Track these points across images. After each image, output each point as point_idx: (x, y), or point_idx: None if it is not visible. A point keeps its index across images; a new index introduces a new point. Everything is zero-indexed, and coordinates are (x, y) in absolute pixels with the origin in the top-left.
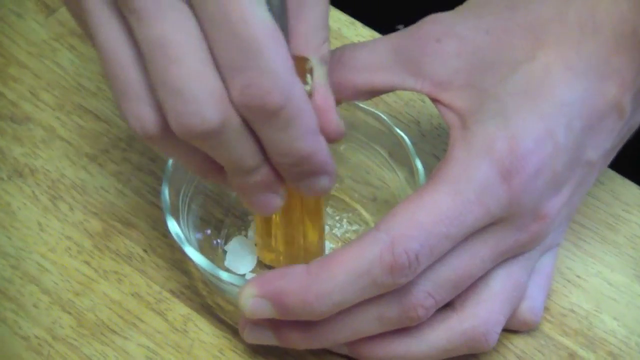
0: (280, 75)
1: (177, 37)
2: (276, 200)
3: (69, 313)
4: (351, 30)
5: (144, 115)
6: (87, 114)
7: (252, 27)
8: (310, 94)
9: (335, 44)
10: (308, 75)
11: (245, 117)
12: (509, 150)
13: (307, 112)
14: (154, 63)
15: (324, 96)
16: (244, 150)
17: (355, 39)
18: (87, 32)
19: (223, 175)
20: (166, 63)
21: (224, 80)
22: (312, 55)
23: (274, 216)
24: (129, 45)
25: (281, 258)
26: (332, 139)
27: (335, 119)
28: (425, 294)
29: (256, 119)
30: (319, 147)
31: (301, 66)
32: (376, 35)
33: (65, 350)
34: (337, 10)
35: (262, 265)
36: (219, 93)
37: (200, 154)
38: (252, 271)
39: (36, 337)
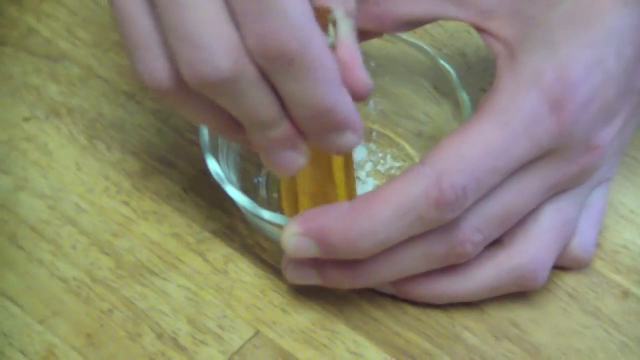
0: (298, 23)
1: None
2: (297, 159)
3: (108, 254)
4: None
5: (156, 68)
6: (125, 51)
7: None
8: (333, 47)
9: None
10: (330, 27)
11: (262, 66)
12: (557, 80)
13: (327, 62)
14: (165, 8)
15: (349, 50)
16: (260, 102)
17: None
18: None
19: (242, 134)
20: (178, 8)
21: (239, 27)
22: (336, 7)
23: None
24: None
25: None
26: (358, 97)
27: (361, 75)
28: (473, 229)
29: (273, 68)
30: (341, 100)
31: (323, 18)
32: None
33: (104, 292)
34: None
35: None
36: (233, 40)
37: (217, 109)
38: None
39: (74, 278)
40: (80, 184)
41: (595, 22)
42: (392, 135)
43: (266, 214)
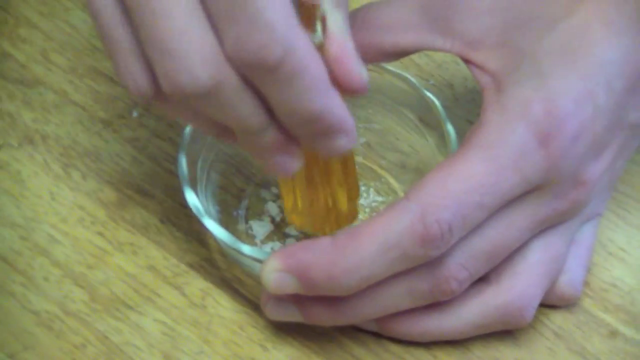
0: (277, 26)
1: None
2: (291, 163)
3: (82, 287)
4: None
5: (136, 75)
6: (101, 77)
7: None
8: (321, 44)
9: (362, 2)
10: (318, 23)
11: (243, 74)
12: (546, 113)
13: (313, 66)
14: (139, 18)
15: (340, 44)
16: (245, 110)
17: None
18: None
19: (234, 136)
20: (152, 17)
21: (217, 34)
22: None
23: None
24: (118, 2)
25: (310, 221)
26: (354, 92)
27: (355, 68)
28: (458, 266)
29: (255, 76)
30: (331, 105)
31: (310, 14)
32: None
33: (77, 326)
34: None
35: (279, 235)
36: (211, 49)
37: (203, 115)
38: (268, 238)
39: (47, 311)
40: (53, 214)
41: (585, 54)
42: (375, 167)
43: (246, 249)
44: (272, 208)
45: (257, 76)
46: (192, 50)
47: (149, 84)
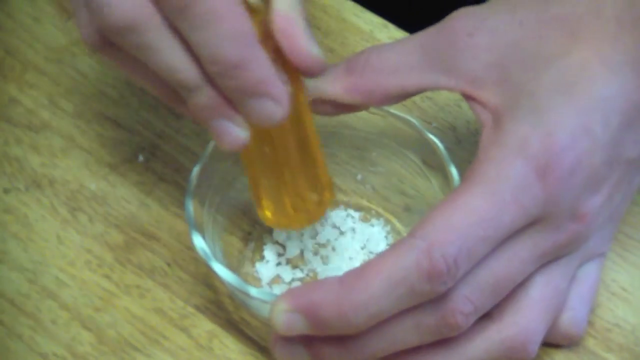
0: None
1: None
2: (236, 132)
3: (89, 329)
4: (384, 32)
5: (84, 22)
6: (108, 122)
7: None
8: (260, 10)
9: (368, 46)
10: None
11: (163, 13)
12: (544, 147)
13: (230, 15)
14: None
15: (286, 18)
16: (172, 57)
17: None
18: None
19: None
20: None
21: None
22: None
23: (255, 168)
24: None
25: (280, 214)
26: (308, 70)
27: (302, 42)
28: (464, 299)
29: (170, 15)
30: (250, 58)
31: None
32: None
33: None
34: (370, 12)
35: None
36: None
37: (147, 68)
38: (273, 281)
39: (54, 354)
40: (61, 257)
41: (582, 90)
42: (381, 210)
43: (253, 291)
44: (269, 253)
45: (173, 15)
46: None
47: (94, 31)
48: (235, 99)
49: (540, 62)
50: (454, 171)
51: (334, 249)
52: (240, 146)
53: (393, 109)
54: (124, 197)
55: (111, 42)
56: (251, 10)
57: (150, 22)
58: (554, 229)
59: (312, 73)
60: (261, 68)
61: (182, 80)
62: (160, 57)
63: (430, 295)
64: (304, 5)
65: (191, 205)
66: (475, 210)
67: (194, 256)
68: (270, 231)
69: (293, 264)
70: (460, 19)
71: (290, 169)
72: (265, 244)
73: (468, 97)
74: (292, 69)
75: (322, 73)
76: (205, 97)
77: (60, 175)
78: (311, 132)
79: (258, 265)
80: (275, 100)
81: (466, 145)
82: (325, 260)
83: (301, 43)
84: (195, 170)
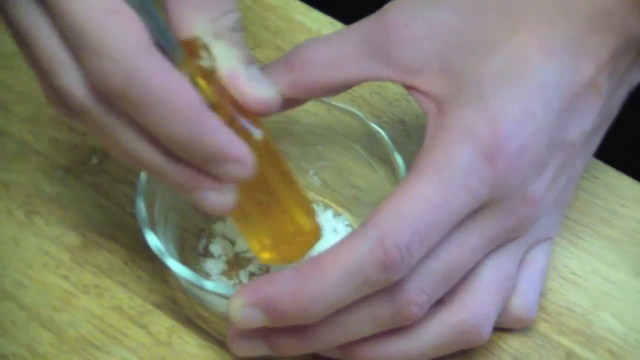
0: (115, 54)
1: (28, 21)
2: (220, 199)
3: (49, 329)
4: (331, 30)
5: (48, 95)
6: (62, 126)
7: (78, 7)
8: (212, 70)
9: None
10: (203, 51)
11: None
12: (490, 133)
13: (168, 89)
14: (24, 52)
15: (227, 69)
16: (131, 140)
17: None
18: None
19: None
20: (28, 47)
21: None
22: (202, 31)
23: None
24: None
25: (279, 252)
26: (265, 112)
27: (250, 92)
28: (417, 289)
29: (116, 102)
30: (201, 130)
31: (191, 45)
32: None
33: None
34: (317, 11)
35: (235, 272)
36: (76, 72)
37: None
38: (224, 274)
39: (15, 355)
40: (19, 260)
41: (523, 77)
42: (333, 204)
43: (209, 285)
44: (216, 248)
45: (116, 102)
46: (64, 71)
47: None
48: (200, 166)
49: (481, 50)
50: (398, 159)
51: None
52: (231, 209)
53: (338, 102)
54: (80, 198)
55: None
56: (205, 73)
57: (98, 105)
58: (503, 213)
59: (268, 112)
60: (215, 135)
61: (146, 165)
62: (113, 134)
63: (385, 284)
64: (244, 48)
65: (142, 204)
66: (425, 197)
67: (151, 254)
68: (220, 227)
69: (244, 259)
70: (394, 11)
71: (281, 204)
72: (214, 239)
73: (409, 87)
74: None
75: (277, 107)
76: (176, 174)
77: (15, 179)
78: (284, 163)
79: (209, 261)
80: (238, 162)
81: (416, 139)
82: None
83: (247, 91)
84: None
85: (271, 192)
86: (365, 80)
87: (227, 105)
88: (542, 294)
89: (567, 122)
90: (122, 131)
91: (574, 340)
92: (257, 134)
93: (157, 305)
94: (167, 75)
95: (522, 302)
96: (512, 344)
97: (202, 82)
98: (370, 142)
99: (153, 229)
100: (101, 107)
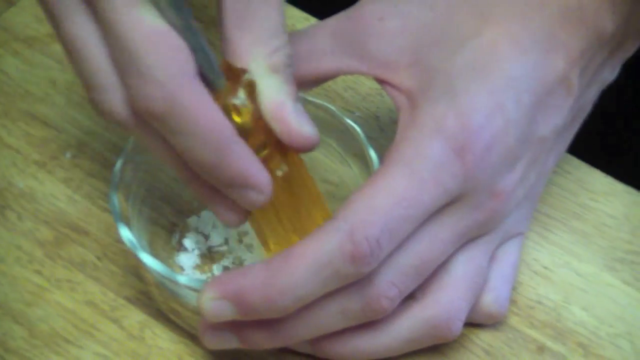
0: (160, 81)
1: (81, 37)
2: (234, 217)
3: (21, 324)
4: (305, 25)
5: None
6: (34, 120)
7: (131, 33)
8: (245, 108)
9: None
10: (240, 90)
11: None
12: (460, 127)
13: (204, 119)
14: (71, 60)
15: (273, 105)
16: (164, 154)
17: None
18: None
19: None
20: (77, 60)
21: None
22: (254, 66)
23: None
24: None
25: None
26: (302, 149)
27: (297, 126)
28: (388, 283)
29: (152, 123)
30: (229, 159)
31: (236, 76)
32: None
33: None
34: (291, 6)
35: (208, 266)
36: (119, 89)
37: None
38: (197, 268)
39: None
40: None
41: (494, 70)
42: None
43: (182, 279)
44: (191, 243)
45: (153, 123)
46: (108, 87)
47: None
48: (218, 187)
49: (452, 44)
50: (373, 155)
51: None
52: (242, 224)
53: (312, 97)
54: (52, 193)
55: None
56: (236, 108)
57: (135, 123)
58: (473, 207)
59: (308, 149)
60: (239, 162)
61: (179, 173)
62: (152, 147)
63: (355, 277)
64: (293, 85)
65: (116, 198)
66: (395, 190)
67: (124, 249)
68: (194, 221)
69: (217, 253)
70: (370, 4)
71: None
72: (188, 234)
73: (381, 81)
74: None
75: (316, 146)
76: (198, 189)
77: None
78: (311, 182)
79: (182, 255)
80: (256, 189)
81: (389, 134)
82: (250, 248)
83: (293, 126)
84: (119, 163)
85: (295, 213)
86: (340, 74)
87: (261, 134)
88: (513, 288)
89: (538, 117)
90: (154, 146)
91: (544, 334)
92: (283, 168)
93: (129, 299)
94: (205, 107)
95: (493, 298)
96: (484, 337)
97: (237, 109)
98: (344, 137)
99: (126, 223)
100: (138, 124)
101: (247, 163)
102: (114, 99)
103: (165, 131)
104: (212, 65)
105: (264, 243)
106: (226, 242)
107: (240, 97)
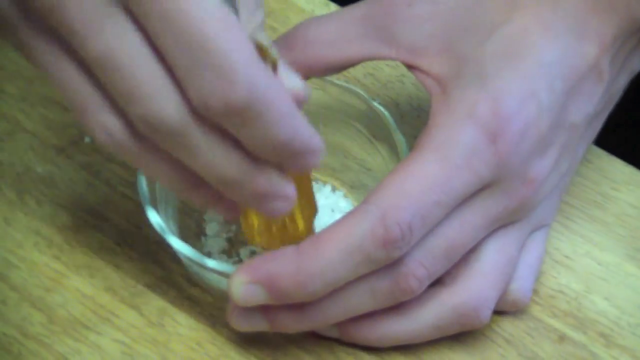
0: (240, 67)
1: (121, 48)
2: (282, 206)
3: (40, 309)
4: (325, 11)
5: (108, 124)
6: (53, 105)
7: (197, 21)
8: (275, 66)
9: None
10: (272, 49)
11: (213, 120)
12: (492, 113)
13: (278, 97)
14: (105, 78)
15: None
16: (220, 157)
17: None
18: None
19: (201, 190)
20: (117, 77)
21: (182, 84)
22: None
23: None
24: (76, 65)
25: (268, 241)
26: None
27: (286, 83)
28: (417, 263)
29: (224, 121)
30: (297, 129)
31: (263, 53)
32: None
33: (36, 348)
34: None
35: (235, 251)
36: (175, 97)
37: (176, 163)
38: (224, 253)
39: (5, 334)
40: (9, 239)
41: (525, 56)
42: (332, 181)
43: (211, 263)
44: (217, 228)
45: (226, 120)
46: (159, 97)
47: (123, 129)
48: (279, 162)
49: (482, 30)
50: (401, 138)
51: None
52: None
53: (339, 81)
54: (71, 178)
55: (145, 141)
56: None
57: (197, 129)
58: (505, 194)
59: (301, 104)
60: (305, 132)
61: (226, 177)
62: (205, 156)
63: (386, 262)
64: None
65: (144, 182)
66: (427, 175)
67: (144, 235)
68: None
69: (242, 239)
70: None
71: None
72: (213, 220)
73: (410, 67)
74: None
75: (308, 98)
76: (253, 187)
77: (6, 158)
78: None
79: (209, 239)
80: (315, 152)
81: (409, 120)
82: None
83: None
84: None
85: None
86: (367, 59)
87: None
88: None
89: (570, 104)
90: (209, 148)
91: (566, 323)
92: None
93: (148, 286)
94: (278, 84)
95: (519, 286)
96: (505, 327)
97: None
98: (372, 122)
99: (154, 206)
100: (196, 128)
101: (309, 127)
102: (168, 105)
103: (241, 123)
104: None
105: (251, 234)
106: None
107: (274, 54)
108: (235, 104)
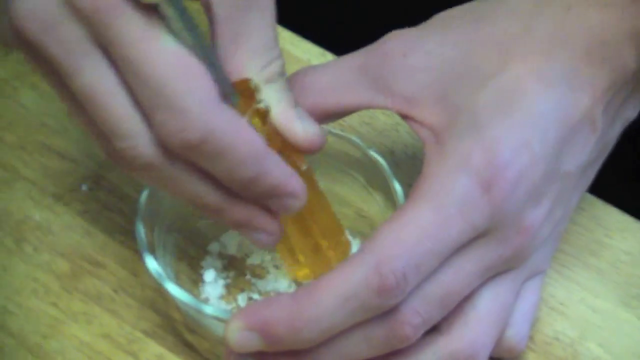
0: (194, 111)
1: (99, 86)
2: (266, 238)
3: (37, 356)
4: (321, 60)
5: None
6: (51, 153)
7: (156, 66)
8: (268, 110)
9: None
10: (258, 94)
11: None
12: (486, 162)
13: (239, 138)
14: (87, 110)
15: (279, 112)
16: (199, 186)
17: None
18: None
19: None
20: (94, 109)
21: (149, 122)
22: (255, 76)
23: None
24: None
25: (312, 269)
26: (308, 150)
27: (299, 129)
28: (412, 311)
29: (186, 155)
30: (265, 170)
31: (245, 88)
32: None
33: None
34: (308, 41)
35: (232, 296)
36: (147, 134)
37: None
38: (223, 298)
39: None
40: (7, 286)
41: (519, 106)
42: None
43: (208, 309)
44: (213, 275)
45: (187, 154)
46: (132, 132)
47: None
48: (257, 200)
49: (476, 80)
50: (397, 186)
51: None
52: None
53: (336, 130)
54: (69, 226)
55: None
56: (261, 114)
57: (167, 161)
58: (499, 242)
59: (317, 149)
60: (275, 173)
61: (207, 204)
62: (180, 185)
63: (381, 310)
64: (290, 91)
65: (142, 228)
66: (422, 224)
67: (141, 282)
68: (215, 247)
69: (239, 285)
70: (394, 40)
71: (318, 223)
72: (210, 266)
73: (405, 116)
74: None
75: (324, 144)
76: (233, 211)
77: (3, 206)
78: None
79: (207, 285)
80: (293, 195)
81: (405, 168)
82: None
83: (298, 130)
84: (144, 194)
85: (312, 214)
86: (363, 108)
87: (277, 142)
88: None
89: (564, 154)
90: (186, 179)
91: None
92: (304, 166)
93: (146, 332)
94: (239, 126)
95: (514, 333)
96: None
97: (257, 122)
98: (369, 170)
99: (152, 253)
100: (168, 162)
101: (282, 172)
102: (142, 142)
103: (202, 159)
104: (227, 82)
105: (293, 258)
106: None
107: (260, 100)
108: (190, 142)
